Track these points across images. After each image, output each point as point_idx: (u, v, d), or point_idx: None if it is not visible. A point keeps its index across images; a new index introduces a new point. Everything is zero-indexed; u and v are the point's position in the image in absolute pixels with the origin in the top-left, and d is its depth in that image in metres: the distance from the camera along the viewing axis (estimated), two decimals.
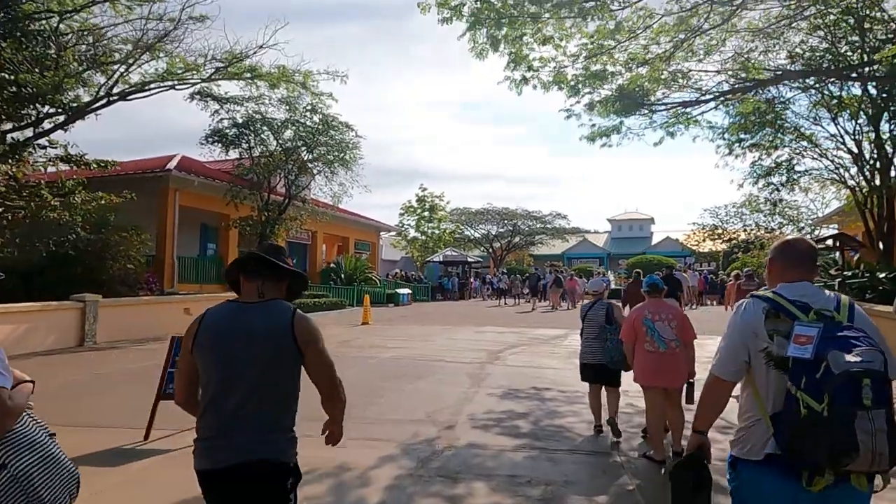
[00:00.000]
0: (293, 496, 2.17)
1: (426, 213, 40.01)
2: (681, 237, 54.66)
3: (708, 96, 10.96)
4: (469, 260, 37.56)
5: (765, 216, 48.94)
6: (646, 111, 10.91)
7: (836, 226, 27.33)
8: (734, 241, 46.93)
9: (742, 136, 15.81)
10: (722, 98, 11.31)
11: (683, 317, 4.89)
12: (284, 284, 2.36)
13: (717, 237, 50.51)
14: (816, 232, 28.37)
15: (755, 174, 16.04)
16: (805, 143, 15.72)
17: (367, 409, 6.29)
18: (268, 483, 2.08)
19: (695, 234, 52.01)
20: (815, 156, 15.68)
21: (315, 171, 22.29)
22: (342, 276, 27.38)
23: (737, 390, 2.23)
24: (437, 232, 40.65)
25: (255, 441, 2.07)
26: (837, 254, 19.84)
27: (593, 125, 11.61)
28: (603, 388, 5.54)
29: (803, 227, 31.55)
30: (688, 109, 11.21)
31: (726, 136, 15.57)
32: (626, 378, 5.32)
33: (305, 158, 21.64)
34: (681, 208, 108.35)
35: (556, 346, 11.96)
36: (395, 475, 4.39)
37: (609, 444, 5.33)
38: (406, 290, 28.86)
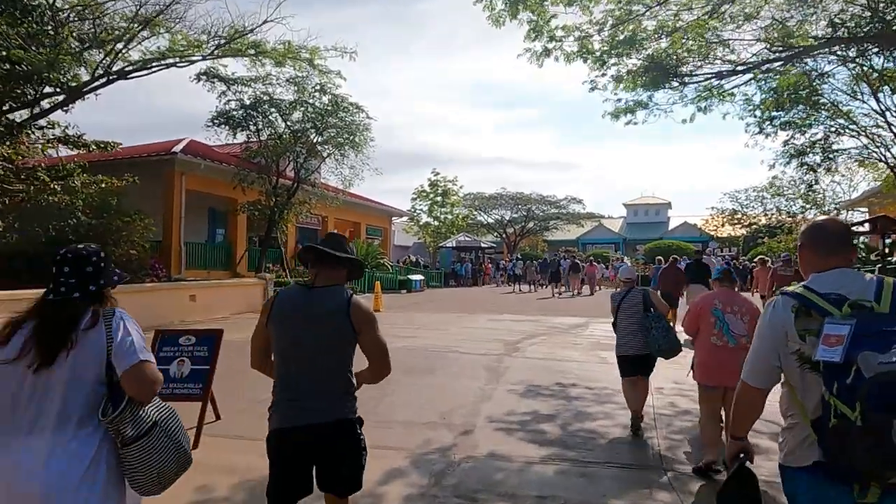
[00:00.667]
0: (363, 440, 2.52)
1: (439, 198, 39.23)
2: (699, 222, 53.63)
3: (743, 67, 10.09)
4: (482, 245, 36.85)
5: (786, 200, 47.92)
6: (677, 83, 10.07)
7: (865, 209, 26.23)
8: (755, 226, 45.83)
9: (774, 113, 14.92)
10: (759, 69, 10.43)
11: (757, 312, 4.29)
12: (344, 270, 2.69)
13: (736, 222, 49.38)
14: (848, 215, 27.26)
15: (788, 154, 15.12)
16: (842, 121, 14.78)
17: (377, 408, 5.69)
18: (340, 435, 2.44)
19: (713, 218, 50.94)
20: (853, 134, 14.72)
21: (325, 154, 21.64)
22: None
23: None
24: (449, 217, 39.91)
25: (322, 406, 2.41)
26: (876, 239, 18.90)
27: (619, 100, 10.80)
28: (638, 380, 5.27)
29: (829, 212, 30.43)
30: (722, 81, 10.35)
31: (758, 112, 14.68)
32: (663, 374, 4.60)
33: (315, 141, 21.01)
34: (699, 193, 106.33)
35: (578, 336, 11.29)
36: (404, 495, 3.77)
37: (651, 454, 4.67)
38: (419, 277, 28.26)
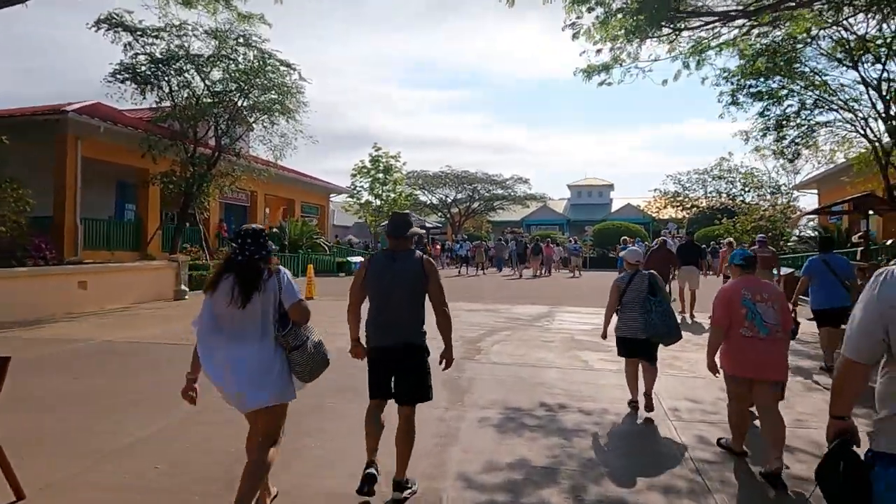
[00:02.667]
0: (427, 360, 3.54)
1: (380, 175, 36.88)
2: (641, 204, 53.79)
3: (743, 9, 8.55)
4: (427, 226, 34.99)
5: (726, 183, 48.45)
6: (670, 30, 8.44)
7: (815, 191, 26.05)
8: (697, 209, 46.04)
9: (750, 80, 13.69)
10: (757, 17, 8.90)
11: (784, 299, 4.12)
12: (412, 240, 3.67)
13: (678, 204, 49.62)
14: (794, 200, 27.03)
15: (765, 127, 13.94)
16: (819, 93, 13.70)
17: (289, 466, 3.75)
18: (414, 354, 3.50)
19: (656, 200, 51.08)
20: (832, 107, 13.66)
21: (251, 120, 19.06)
22: (286, 242, 24.37)
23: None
24: (392, 195, 37.70)
25: (402, 333, 3.48)
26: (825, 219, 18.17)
27: (598, 51, 9.08)
28: (639, 363, 5.14)
29: (775, 194, 30.25)
30: (721, 29, 8.79)
31: (734, 79, 13.42)
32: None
33: (239, 104, 18.40)
34: (640, 175, 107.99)
35: (546, 331, 9.64)
36: None
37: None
38: (359, 259, 26.08)
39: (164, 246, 19.00)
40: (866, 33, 12.47)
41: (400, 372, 3.47)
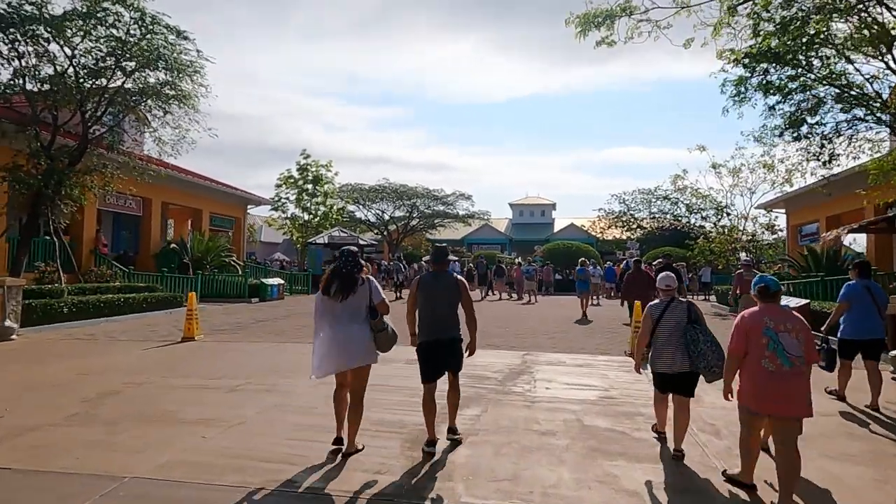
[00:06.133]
0: (462, 346, 4.80)
1: (309, 186, 32.83)
2: (585, 224, 52.21)
3: None
4: (361, 243, 31.13)
5: (671, 203, 47.20)
6: None
7: (783, 210, 24.23)
8: (645, 230, 44.44)
9: (764, 65, 11.06)
10: None
11: (809, 330, 3.80)
12: (447, 264, 5.00)
13: (623, 224, 48.07)
14: (754, 218, 25.01)
15: (781, 126, 11.30)
16: (837, 86, 11.22)
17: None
18: (455, 344, 4.74)
19: (600, 220, 49.49)
20: (852, 103, 11.17)
21: (131, 104, 14.91)
22: (186, 260, 20.01)
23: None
24: (323, 209, 33.66)
25: (446, 329, 4.69)
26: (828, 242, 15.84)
27: None
28: (671, 398, 4.72)
29: (730, 214, 28.29)
30: None
31: (745, 62, 10.75)
32: None
33: (119, 85, 14.32)
34: (581, 196, 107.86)
35: (534, 405, 6.19)
36: None
37: None
38: (276, 281, 21.99)
39: (9, 262, 14.46)
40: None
41: (446, 355, 4.72)
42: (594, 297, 21.11)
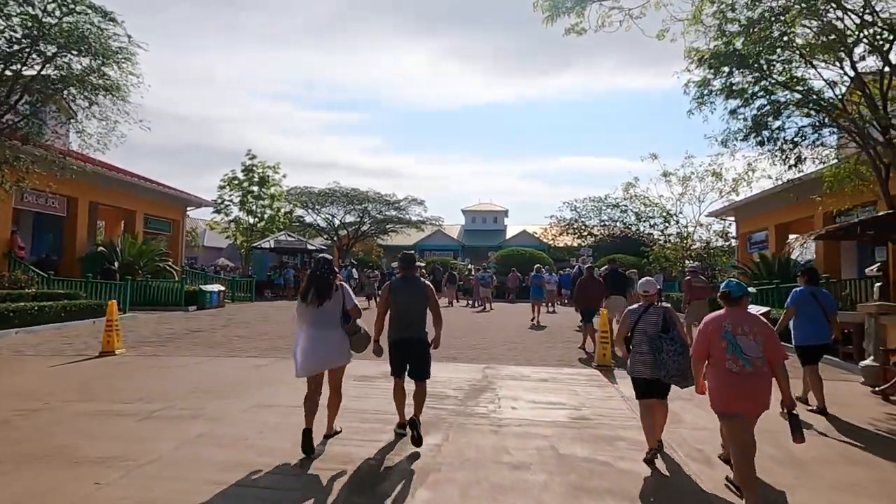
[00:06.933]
0: (430, 348, 5.11)
1: (254, 188, 31.30)
2: (537, 231, 52.35)
3: None
4: (310, 248, 29.87)
5: (621, 211, 47.88)
6: None
7: (732, 218, 24.56)
8: (597, 237, 44.82)
9: (723, 68, 10.82)
10: None
11: (771, 331, 3.90)
12: (417, 269, 5.35)
13: (574, 232, 48.42)
14: (699, 227, 25.25)
15: (743, 130, 11.04)
16: (797, 91, 11.09)
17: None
18: (423, 344, 5.06)
19: (552, 227, 49.70)
20: (810, 109, 11.05)
21: (50, 92, 13.46)
22: (113, 266, 18.42)
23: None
24: (269, 212, 32.18)
25: (415, 331, 5.03)
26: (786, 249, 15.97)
27: None
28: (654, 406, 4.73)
29: (679, 222, 28.51)
30: None
31: (706, 63, 10.48)
32: None
33: (37, 71, 12.89)
34: (533, 204, 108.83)
35: (501, 430, 5.46)
36: None
37: None
38: (216, 288, 20.59)
39: None
40: (863, 17, 10.06)
41: (415, 357, 5.04)
42: (549, 305, 20.69)
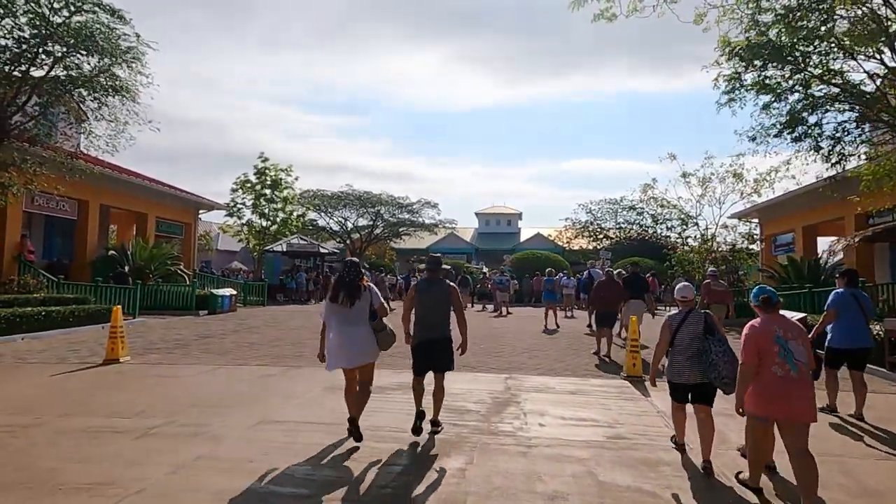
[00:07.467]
0: (452, 345, 5.28)
1: (266, 191, 31.04)
2: (552, 233, 51.71)
3: None
4: (322, 251, 29.53)
5: (637, 213, 47.11)
6: None
7: (756, 220, 23.79)
8: (612, 239, 44.04)
9: (754, 61, 10.26)
10: None
11: (808, 338, 3.97)
12: (441, 272, 5.50)
13: (590, 234, 47.65)
14: (724, 229, 24.48)
15: (776, 125, 10.47)
16: (829, 85, 10.48)
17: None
18: (447, 343, 5.25)
19: (567, 230, 48.99)
20: (853, 103, 10.43)
21: (59, 93, 13.19)
22: (124, 268, 18.16)
23: None
24: (282, 215, 31.93)
25: (439, 330, 5.24)
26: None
27: None
28: (690, 408, 4.68)
29: (697, 224, 27.73)
30: None
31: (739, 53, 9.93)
32: None
33: (46, 71, 12.66)
34: (547, 206, 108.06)
35: (530, 453, 4.95)
36: None
37: None
38: (228, 292, 20.27)
39: None
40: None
41: (438, 353, 5.25)
42: (568, 310, 20.10)
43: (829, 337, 6.37)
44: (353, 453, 4.75)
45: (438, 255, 5.75)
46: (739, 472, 4.25)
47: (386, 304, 5.24)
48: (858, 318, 6.22)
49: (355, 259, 5.25)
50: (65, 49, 12.64)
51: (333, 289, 5.03)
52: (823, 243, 20.63)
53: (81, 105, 14.19)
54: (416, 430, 5.16)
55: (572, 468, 4.46)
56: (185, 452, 4.65)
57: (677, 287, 5.03)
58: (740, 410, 3.93)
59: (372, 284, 5.22)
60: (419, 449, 4.92)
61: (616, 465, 4.57)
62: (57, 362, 9.02)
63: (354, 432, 4.90)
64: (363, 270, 5.21)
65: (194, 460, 4.48)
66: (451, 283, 5.47)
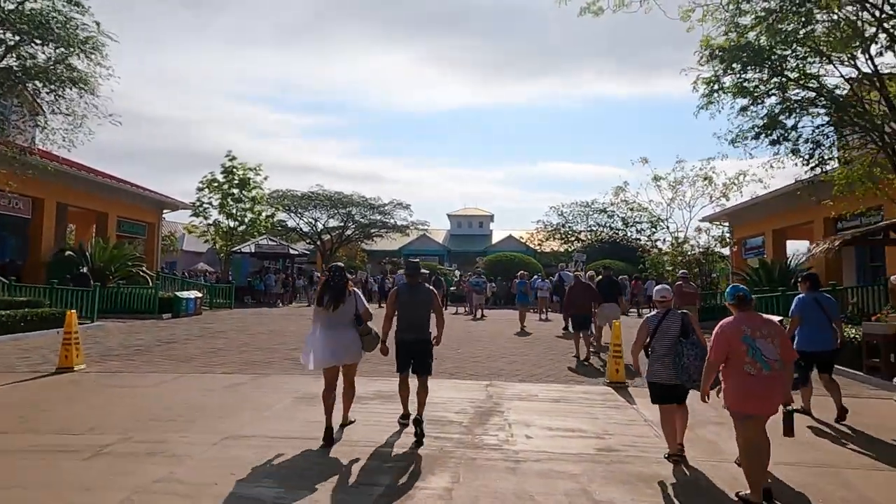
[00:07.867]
0: (432, 349, 5.52)
1: (234, 191, 30.20)
2: (523, 236, 51.78)
3: None
4: (292, 252, 28.84)
5: (609, 216, 47.51)
6: None
7: (727, 224, 24.06)
8: (584, 242, 44.28)
9: (733, 65, 10.22)
10: None
11: (783, 332, 4.08)
12: (421, 276, 5.79)
13: (561, 237, 47.87)
14: (698, 232, 24.71)
15: (754, 128, 10.43)
16: (805, 89, 10.52)
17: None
18: (426, 343, 5.44)
19: (538, 232, 49.12)
20: (828, 107, 10.47)
21: (11, 84, 12.43)
22: (83, 269, 17.31)
23: None
24: (250, 215, 31.10)
25: (420, 332, 5.41)
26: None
27: None
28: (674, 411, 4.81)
29: (667, 228, 27.96)
30: None
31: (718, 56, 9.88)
32: None
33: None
34: (519, 209, 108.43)
35: (523, 470, 4.61)
36: None
37: None
38: (193, 294, 19.52)
39: None
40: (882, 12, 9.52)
41: (417, 356, 5.41)
42: (542, 312, 19.95)
43: (794, 341, 6.40)
44: (328, 473, 4.37)
45: (417, 260, 6.01)
46: (739, 492, 4.03)
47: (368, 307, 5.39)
48: (822, 322, 6.32)
49: (341, 264, 5.55)
50: (17, 37, 11.93)
51: (319, 293, 5.36)
52: (792, 246, 20.96)
53: (36, 97, 13.45)
54: (402, 425, 5.57)
55: (565, 485, 4.17)
56: (141, 475, 4.21)
57: (656, 288, 5.20)
58: (705, 399, 4.13)
59: (357, 290, 5.52)
60: (400, 465, 4.58)
61: (610, 481, 4.30)
62: (4, 371, 8.38)
63: (326, 436, 5.04)
64: (347, 275, 5.47)
65: (149, 485, 4.04)
66: (431, 287, 5.81)
